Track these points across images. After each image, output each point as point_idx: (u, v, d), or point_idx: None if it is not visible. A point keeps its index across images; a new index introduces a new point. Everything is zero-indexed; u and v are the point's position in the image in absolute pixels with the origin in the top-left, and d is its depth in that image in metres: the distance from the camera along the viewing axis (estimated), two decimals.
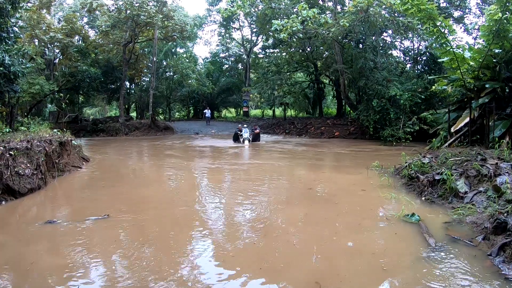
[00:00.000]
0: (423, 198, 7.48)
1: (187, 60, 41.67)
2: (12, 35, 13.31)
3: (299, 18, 18.78)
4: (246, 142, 21.02)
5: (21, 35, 22.89)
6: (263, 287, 4.00)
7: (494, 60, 11.99)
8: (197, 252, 4.99)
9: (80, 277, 4.17)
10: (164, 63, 41.31)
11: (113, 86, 36.88)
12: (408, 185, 8.62)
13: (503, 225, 4.86)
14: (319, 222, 6.30)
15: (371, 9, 19.51)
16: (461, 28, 27.47)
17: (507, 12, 10.54)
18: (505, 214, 5.05)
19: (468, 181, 7.11)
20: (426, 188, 7.74)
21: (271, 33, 29.78)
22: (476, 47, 13.35)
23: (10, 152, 8.08)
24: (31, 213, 7.25)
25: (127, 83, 38.78)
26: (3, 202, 7.45)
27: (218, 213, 6.95)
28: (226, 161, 14.62)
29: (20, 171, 8.12)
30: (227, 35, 45.02)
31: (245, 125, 23.79)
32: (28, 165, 8.50)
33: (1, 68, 12.05)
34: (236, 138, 21.98)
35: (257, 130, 23.29)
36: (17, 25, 14.62)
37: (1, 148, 7.96)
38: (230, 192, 8.91)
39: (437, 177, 7.66)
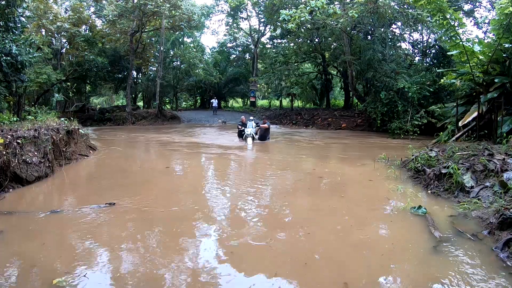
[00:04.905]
0: (429, 191, 7.46)
1: (194, 50, 41.52)
2: (19, 25, 13.35)
3: (308, 8, 18.65)
4: (249, 140, 16.20)
5: (28, 25, 22.94)
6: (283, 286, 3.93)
7: (504, 55, 11.84)
8: (204, 246, 4.97)
9: (87, 266, 4.22)
10: (171, 53, 41.23)
11: (120, 76, 36.92)
12: (414, 178, 8.60)
13: (508, 221, 4.85)
14: (328, 213, 6.34)
15: (380, 0, 19.27)
16: (471, 21, 27.04)
17: None
18: (511, 210, 5.02)
19: (475, 176, 7.07)
20: (432, 182, 7.71)
21: (279, 23, 29.62)
22: (486, 41, 13.16)
23: (18, 141, 8.16)
24: (38, 201, 7.34)
25: (134, 73, 38.75)
26: (11, 190, 7.54)
27: (226, 203, 6.96)
28: (233, 154, 14.61)
29: (27, 159, 8.20)
30: (234, 25, 44.72)
31: (251, 117, 18.74)
32: (36, 153, 8.58)
33: (9, 58, 12.12)
34: (242, 135, 17.26)
35: (266, 125, 17.42)
36: (24, 15, 14.65)
37: (9, 136, 8.04)
38: (238, 183, 8.88)
39: (443, 171, 7.62)
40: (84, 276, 3.96)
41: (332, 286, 3.87)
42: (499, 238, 4.72)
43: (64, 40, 31.58)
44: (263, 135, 17.30)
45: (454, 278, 3.92)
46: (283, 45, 35.04)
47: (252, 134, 16.60)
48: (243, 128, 17.06)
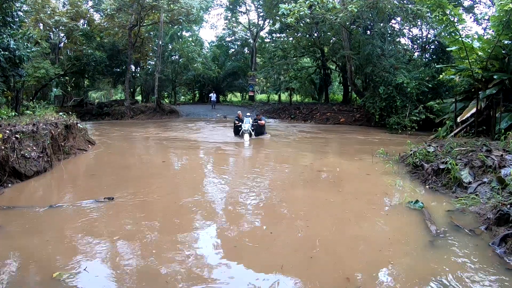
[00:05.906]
0: (427, 186, 7.51)
1: (193, 44, 41.31)
2: (17, 19, 13.27)
3: (307, 2, 18.49)
4: (246, 136, 15.87)
5: (26, 20, 22.80)
6: (287, 281, 3.91)
7: (503, 51, 11.85)
8: (206, 241, 5.00)
9: (87, 260, 4.24)
10: (170, 47, 41.01)
11: (118, 70, 36.73)
12: (412, 173, 8.65)
13: (506, 217, 4.89)
14: (327, 207, 6.39)
15: None
16: (470, 17, 27.06)
17: None
18: (508, 206, 5.06)
19: (473, 172, 7.10)
20: (430, 177, 7.75)
21: (278, 18, 29.46)
22: (485, 37, 13.15)
23: (16, 136, 8.15)
24: (37, 195, 7.35)
25: (133, 67, 38.55)
26: (10, 185, 7.55)
27: (226, 197, 7.00)
28: (230, 150, 14.61)
29: (26, 154, 8.20)
30: (233, 19, 44.53)
31: (248, 113, 18.18)
32: (34, 148, 8.58)
33: (7, 53, 12.06)
34: (238, 131, 16.74)
35: (262, 121, 17.28)
36: (21, 9, 14.56)
37: (8, 131, 8.03)
38: (237, 178, 8.91)
39: (441, 166, 7.67)
40: (84, 269, 3.99)
41: (335, 281, 3.90)
42: (496, 234, 4.76)
43: (62, 35, 31.36)
44: (260, 131, 17.15)
45: (450, 273, 3.95)
46: (282, 39, 34.88)
47: (250, 130, 16.16)
48: (240, 123, 16.57)
